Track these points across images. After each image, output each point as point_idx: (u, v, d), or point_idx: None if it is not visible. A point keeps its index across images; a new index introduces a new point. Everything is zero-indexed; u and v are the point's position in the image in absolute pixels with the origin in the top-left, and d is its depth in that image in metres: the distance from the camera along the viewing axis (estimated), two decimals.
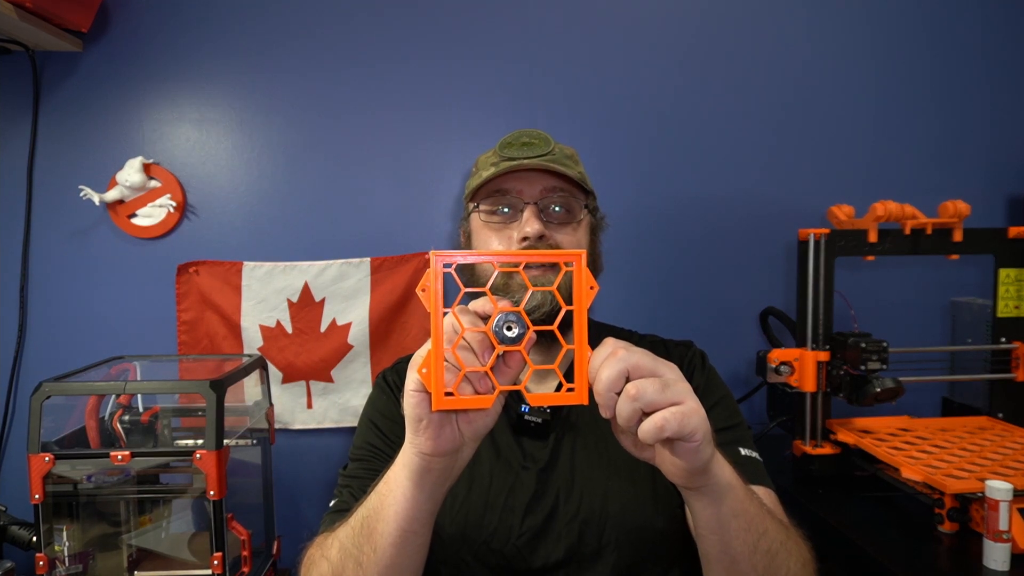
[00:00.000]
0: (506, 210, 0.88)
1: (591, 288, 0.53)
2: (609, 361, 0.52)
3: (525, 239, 0.84)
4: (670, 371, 0.53)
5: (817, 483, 1.20)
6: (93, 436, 1.18)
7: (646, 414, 0.51)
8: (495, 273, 0.59)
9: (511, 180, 0.87)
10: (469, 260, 0.55)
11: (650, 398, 0.51)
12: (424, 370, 0.52)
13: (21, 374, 1.47)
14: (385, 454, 0.86)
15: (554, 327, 0.53)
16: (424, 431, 0.56)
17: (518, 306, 0.53)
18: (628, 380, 0.52)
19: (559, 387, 0.83)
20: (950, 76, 1.53)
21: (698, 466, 0.55)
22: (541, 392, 0.57)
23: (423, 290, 0.52)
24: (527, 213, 0.85)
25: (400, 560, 0.64)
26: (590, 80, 1.49)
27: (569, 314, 0.53)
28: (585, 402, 0.52)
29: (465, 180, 0.98)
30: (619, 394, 0.51)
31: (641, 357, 0.52)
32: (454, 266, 0.53)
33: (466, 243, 0.95)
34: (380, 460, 0.85)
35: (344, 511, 0.76)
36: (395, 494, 0.62)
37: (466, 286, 0.88)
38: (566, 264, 0.54)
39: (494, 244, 0.87)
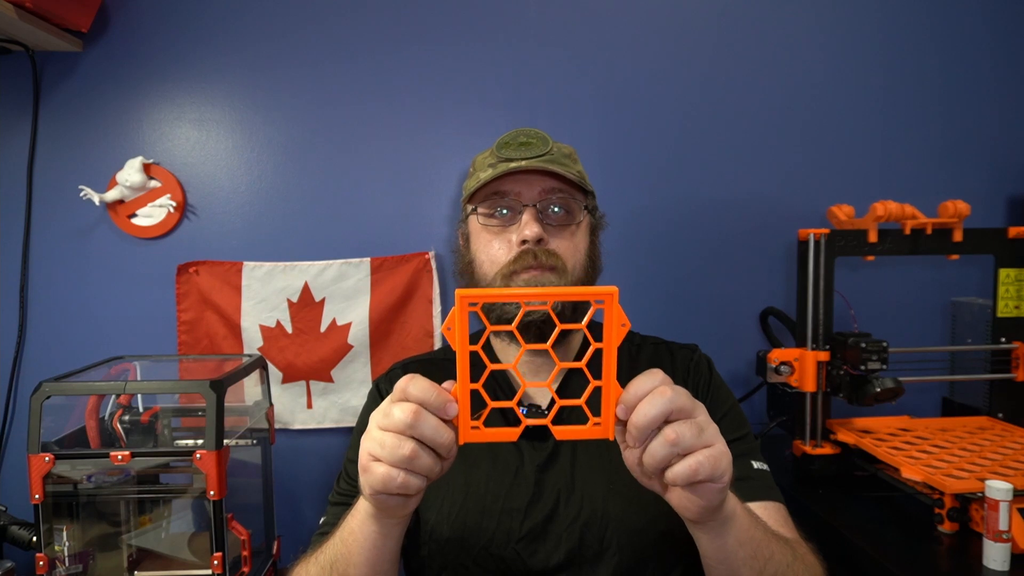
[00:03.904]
0: (505, 212, 0.87)
1: (623, 326, 0.53)
2: (654, 400, 0.52)
3: (524, 242, 0.83)
4: (703, 412, 0.54)
5: (817, 483, 1.20)
6: (93, 436, 1.18)
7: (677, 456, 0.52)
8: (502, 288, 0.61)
9: (509, 182, 0.86)
10: (494, 300, 0.57)
11: (688, 444, 0.51)
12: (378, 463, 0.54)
13: (21, 374, 1.47)
14: None
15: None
16: (391, 510, 0.59)
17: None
18: (667, 420, 0.52)
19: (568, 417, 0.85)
20: (950, 76, 1.53)
21: (715, 505, 0.55)
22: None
23: (448, 329, 0.53)
24: (526, 216, 0.84)
25: None
26: (591, 81, 1.49)
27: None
28: (611, 437, 0.54)
29: (463, 180, 0.97)
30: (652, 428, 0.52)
31: (684, 399, 0.53)
32: (480, 304, 0.54)
33: (464, 246, 0.94)
34: None
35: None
36: (362, 544, 0.65)
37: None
38: (597, 302, 0.54)
39: (494, 247, 0.86)
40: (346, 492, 0.87)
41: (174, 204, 1.45)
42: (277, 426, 1.43)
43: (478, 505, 0.81)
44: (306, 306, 1.47)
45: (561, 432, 0.55)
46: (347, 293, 1.47)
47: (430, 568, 0.83)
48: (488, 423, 0.89)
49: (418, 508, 0.84)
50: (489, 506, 0.81)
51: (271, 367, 1.43)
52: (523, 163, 0.85)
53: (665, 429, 0.52)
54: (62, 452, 1.05)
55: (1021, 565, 0.89)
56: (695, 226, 1.52)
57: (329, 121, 1.48)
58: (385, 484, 0.54)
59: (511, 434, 0.55)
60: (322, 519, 0.87)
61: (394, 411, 0.54)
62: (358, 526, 0.65)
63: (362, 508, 0.64)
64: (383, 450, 0.53)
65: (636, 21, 1.49)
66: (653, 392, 0.52)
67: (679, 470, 0.51)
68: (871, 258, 1.24)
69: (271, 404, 1.32)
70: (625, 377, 0.54)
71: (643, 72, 1.50)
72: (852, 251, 1.23)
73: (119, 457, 1.02)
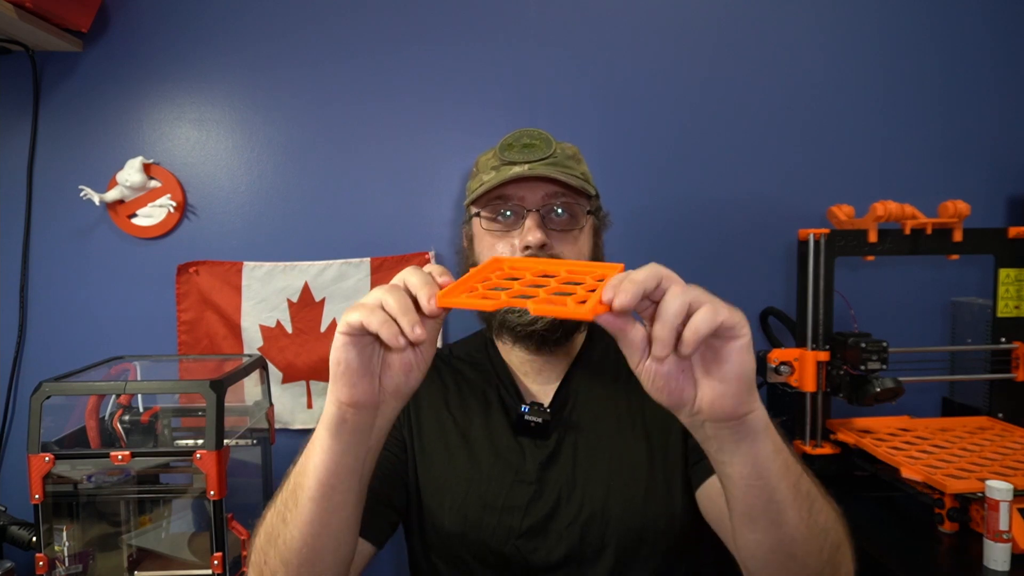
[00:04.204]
0: (508, 214, 0.87)
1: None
2: (644, 268, 0.50)
3: (527, 248, 0.83)
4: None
5: None
6: (93, 436, 1.18)
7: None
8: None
9: (512, 186, 0.86)
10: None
11: (697, 294, 0.49)
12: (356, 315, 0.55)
13: (21, 374, 1.47)
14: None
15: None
16: (342, 376, 0.56)
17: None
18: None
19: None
20: (951, 76, 1.53)
21: (749, 371, 0.51)
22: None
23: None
24: (529, 221, 0.84)
25: (320, 516, 0.62)
26: (591, 81, 1.49)
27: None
28: (590, 316, 0.48)
29: (466, 179, 0.97)
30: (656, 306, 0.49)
31: (676, 275, 0.50)
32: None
33: (468, 247, 0.94)
34: None
35: None
36: (315, 447, 0.61)
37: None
38: (598, 281, 0.54)
39: (496, 251, 0.86)
40: None
41: (174, 204, 1.45)
42: (277, 426, 1.43)
43: (479, 500, 0.81)
44: (306, 306, 1.47)
45: (539, 308, 0.50)
46: (347, 293, 1.47)
47: (431, 564, 0.84)
48: (492, 421, 0.89)
49: (421, 499, 0.84)
50: (491, 502, 0.81)
51: (271, 367, 1.43)
52: (526, 168, 0.85)
53: (673, 285, 0.49)
54: (62, 452, 1.05)
55: (1021, 565, 0.89)
56: (695, 226, 1.52)
57: (329, 121, 1.48)
58: (353, 318, 0.55)
59: (488, 304, 0.52)
60: None
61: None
62: (316, 432, 0.62)
63: (323, 416, 0.61)
64: (366, 297, 0.56)
65: (636, 21, 1.49)
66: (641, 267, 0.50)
67: (700, 317, 0.48)
68: (871, 258, 1.24)
69: (271, 404, 1.32)
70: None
71: (643, 72, 1.50)
72: (852, 251, 1.23)
73: (119, 457, 1.02)
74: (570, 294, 0.53)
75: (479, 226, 0.89)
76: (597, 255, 0.91)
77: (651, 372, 0.51)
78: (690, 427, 0.56)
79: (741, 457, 0.54)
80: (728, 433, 0.53)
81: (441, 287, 0.54)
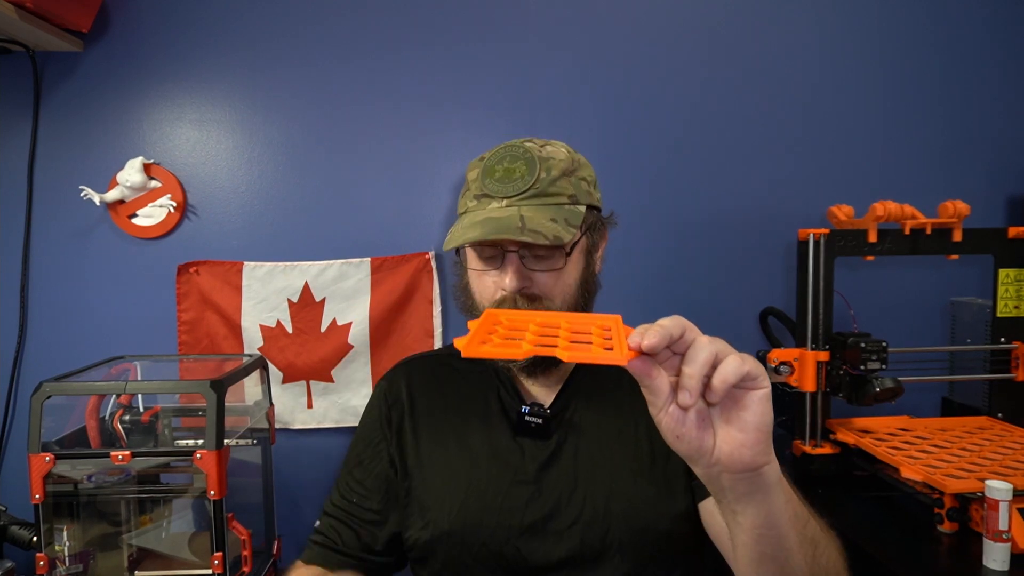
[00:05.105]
0: (489, 254, 0.84)
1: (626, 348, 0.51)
2: (668, 319, 0.51)
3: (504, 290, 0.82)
4: None
5: (817, 483, 1.20)
6: (93, 436, 1.18)
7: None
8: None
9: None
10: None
11: (723, 346, 0.50)
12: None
13: (21, 374, 1.47)
14: (364, 487, 0.89)
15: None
16: None
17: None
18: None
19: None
20: (950, 76, 1.53)
21: (768, 422, 0.52)
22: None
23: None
24: (508, 266, 0.81)
25: None
26: (591, 80, 1.49)
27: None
28: (624, 361, 0.49)
29: (463, 182, 0.97)
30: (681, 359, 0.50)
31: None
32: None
33: (461, 264, 0.91)
34: (359, 494, 0.89)
35: (326, 546, 0.86)
36: None
37: (464, 312, 0.91)
38: (605, 330, 0.56)
39: (482, 282, 0.85)
40: (340, 506, 0.89)
41: (174, 204, 1.45)
42: (277, 426, 1.43)
43: (479, 501, 0.81)
44: (306, 306, 1.47)
45: (571, 356, 0.50)
46: (347, 293, 1.47)
47: (431, 565, 0.84)
48: (492, 421, 0.89)
49: (421, 502, 0.84)
50: (490, 503, 0.81)
51: (271, 367, 1.43)
52: (503, 204, 0.81)
53: (699, 336, 0.51)
54: (62, 452, 1.05)
55: (1021, 565, 0.89)
56: (695, 226, 1.52)
57: (329, 121, 1.48)
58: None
59: (515, 352, 0.51)
60: (317, 522, 0.90)
61: None
62: None
63: None
64: None
65: (636, 21, 1.49)
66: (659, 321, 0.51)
67: (727, 365, 0.49)
68: (871, 258, 1.24)
69: (271, 404, 1.33)
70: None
71: (643, 72, 1.50)
72: (852, 251, 1.23)
73: (119, 457, 1.02)
74: (588, 343, 0.53)
75: (465, 255, 0.88)
76: (588, 279, 0.88)
77: (673, 419, 0.52)
78: (706, 479, 0.55)
79: (755, 508, 0.55)
80: (744, 485, 0.54)
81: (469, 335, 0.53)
